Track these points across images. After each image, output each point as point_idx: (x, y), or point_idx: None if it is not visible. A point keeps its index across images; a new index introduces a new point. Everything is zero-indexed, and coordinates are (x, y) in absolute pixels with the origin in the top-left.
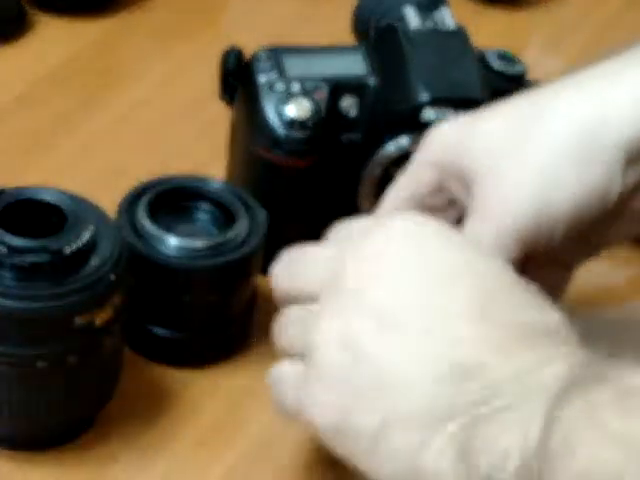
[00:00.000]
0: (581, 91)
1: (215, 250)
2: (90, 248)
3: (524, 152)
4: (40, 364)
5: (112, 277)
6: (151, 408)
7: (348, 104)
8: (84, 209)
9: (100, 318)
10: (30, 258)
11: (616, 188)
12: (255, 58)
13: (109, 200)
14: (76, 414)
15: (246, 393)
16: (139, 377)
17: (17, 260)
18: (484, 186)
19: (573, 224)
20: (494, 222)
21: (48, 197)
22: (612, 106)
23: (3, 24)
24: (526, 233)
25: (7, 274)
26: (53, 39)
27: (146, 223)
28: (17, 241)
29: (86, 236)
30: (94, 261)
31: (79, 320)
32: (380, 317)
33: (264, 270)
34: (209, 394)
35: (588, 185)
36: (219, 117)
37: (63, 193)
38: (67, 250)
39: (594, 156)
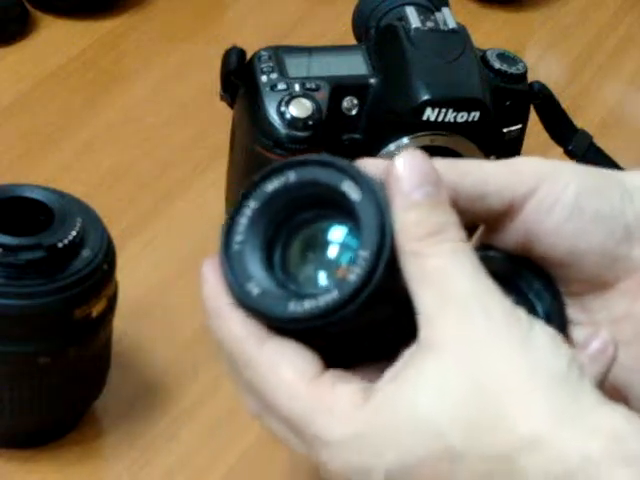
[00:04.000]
0: None
1: None
2: (80, 241)
3: None
4: (42, 360)
5: (105, 267)
6: (152, 407)
7: (349, 104)
8: (67, 203)
9: (96, 309)
10: (25, 255)
11: None
12: (256, 58)
13: (109, 200)
14: (76, 406)
15: None
16: (140, 375)
17: (12, 259)
18: None
19: None
20: None
21: (30, 194)
22: None
23: (5, 25)
24: None
25: (2, 273)
26: (55, 40)
27: None
28: (10, 240)
29: (76, 229)
30: (85, 253)
31: (78, 313)
32: None
33: None
34: (209, 394)
35: None
36: (219, 117)
37: (44, 188)
38: (60, 244)
39: None
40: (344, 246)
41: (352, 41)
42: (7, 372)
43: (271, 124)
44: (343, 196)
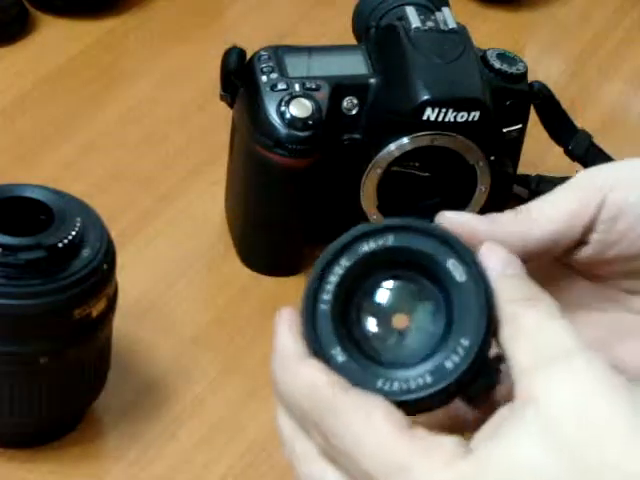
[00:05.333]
0: None
1: None
2: (80, 240)
3: None
4: (42, 360)
5: (105, 267)
6: (152, 407)
7: (349, 104)
8: (67, 203)
9: (96, 309)
10: (25, 255)
11: None
12: (256, 58)
13: (109, 200)
14: (76, 406)
15: (246, 393)
16: (140, 375)
17: (12, 259)
18: None
19: None
20: None
21: (30, 194)
22: None
23: (5, 25)
24: None
25: (2, 273)
26: (54, 40)
27: None
28: (10, 240)
29: (76, 229)
30: (85, 253)
31: (78, 313)
32: None
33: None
34: (209, 394)
35: None
36: (219, 117)
37: (44, 188)
38: (60, 244)
39: None
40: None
41: (352, 41)
42: (7, 372)
43: (271, 124)
44: (446, 273)
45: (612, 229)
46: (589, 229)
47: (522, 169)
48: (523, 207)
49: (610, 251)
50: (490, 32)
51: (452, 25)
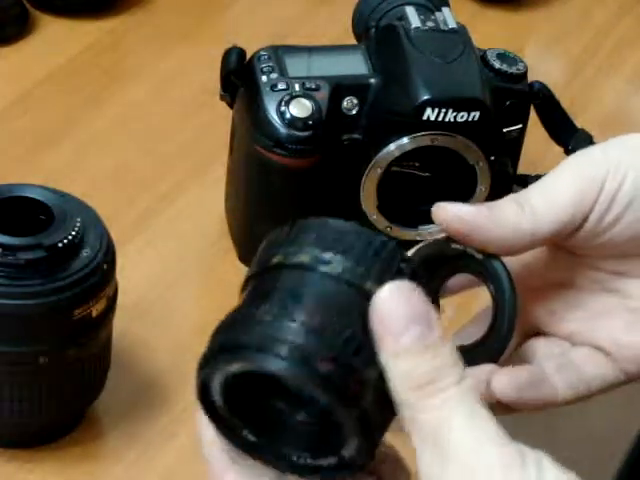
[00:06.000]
0: None
1: None
2: (80, 240)
3: None
4: (42, 360)
5: (105, 267)
6: (152, 407)
7: (349, 104)
8: (67, 203)
9: (96, 309)
10: (25, 255)
11: None
12: (256, 58)
13: (109, 200)
14: (76, 406)
15: None
16: (140, 375)
17: (12, 259)
18: None
19: None
20: None
21: (30, 194)
22: None
23: (5, 25)
24: None
25: (2, 273)
26: (54, 40)
27: None
28: (10, 240)
29: (76, 229)
30: (85, 253)
31: (78, 313)
32: None
33: None
34: None
35: None
36: (219, 117)
37: (44, 188)
38: (60, 244)
39: None
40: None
41: (352, 41)
42: (7, 372)
43: (271, 124)
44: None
45: (605, 217)
46: (586, 219)
47: (522, 169)
48: (525, 201)
49: (601, 237)
50: (490, 32)
51: (452, 25)
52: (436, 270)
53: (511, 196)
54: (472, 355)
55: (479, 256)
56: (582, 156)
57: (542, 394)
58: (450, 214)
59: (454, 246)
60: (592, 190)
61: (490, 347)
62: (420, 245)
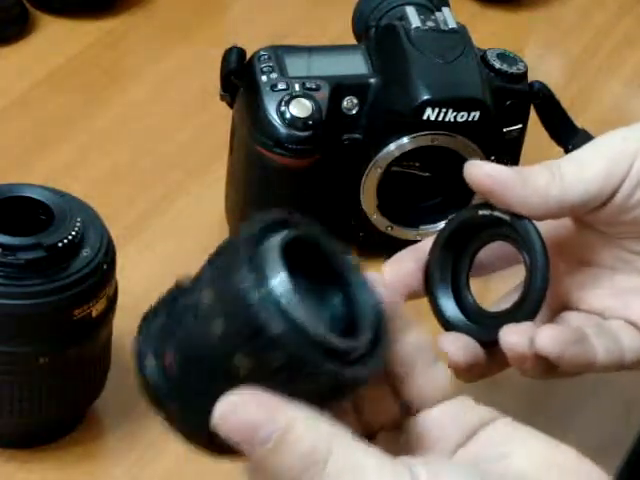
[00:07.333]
0: None
1: None
2: (80, 240)
3: None
4: (42, 360)
5: (105, 267)
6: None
7: (349, 104)
8: (67, 202)
9: (96, 309)
10: (25, 255)
11: None
12: (256, 58)
13: (109, 200)
14: (76, 406)
15: None
16: None
17: (12, 259)
18: None
19: None
20: None
21: (30, 193)
22: None
23: (5, 25)
24: None
25: (2, 273)
26: (54, 39)
27: None
28: (10, 239)
29: (76, 228)
30: (85, 253)
31: (78, 313)
32: None
33: None
34: None
35: None
36: (219, 117)
37: (44, 188)
38: (60, 244)
39: None
40: None
41: (352, 41)
42: (7, 372)
43: (271, 124)
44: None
45: (633, 195)
46: (614, 194)
47: None
48: (556, 169)
49: (627, 215)
50: (490, 32)
51: (452, 25)
52: (467, 243)
53: (543, 163)
54: (511, 316)
55: (507, 217)
56: (614, 134)
57: (584, 352)
58: (482, 172)
59: (482, 212)
60: (622, 166)
61: (527, 305)
62: (450, 217)
